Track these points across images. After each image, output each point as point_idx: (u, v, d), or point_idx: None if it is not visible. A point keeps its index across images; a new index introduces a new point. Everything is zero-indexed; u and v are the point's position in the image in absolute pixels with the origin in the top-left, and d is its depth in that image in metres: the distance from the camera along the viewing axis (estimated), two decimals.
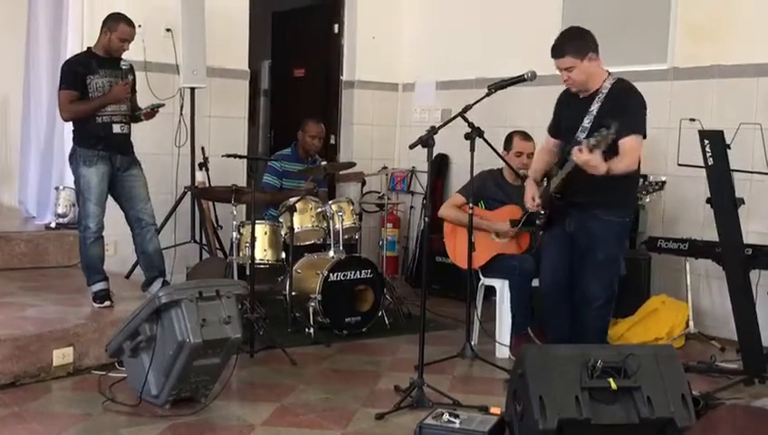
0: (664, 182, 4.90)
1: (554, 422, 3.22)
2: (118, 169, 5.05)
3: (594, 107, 4.24)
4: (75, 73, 4.92)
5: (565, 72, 4.29)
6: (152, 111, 5.14)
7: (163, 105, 5.27)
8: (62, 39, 6.31)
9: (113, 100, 4.95)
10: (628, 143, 4.12)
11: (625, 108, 4.17)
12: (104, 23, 5.01)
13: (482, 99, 4.39)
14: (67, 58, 5.19)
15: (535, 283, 4.90)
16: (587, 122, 4.26)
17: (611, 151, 4.09)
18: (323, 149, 6.59)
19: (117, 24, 4.96)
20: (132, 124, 5.15)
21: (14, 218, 6.84)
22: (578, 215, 4.35)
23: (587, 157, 4.00)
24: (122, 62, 5.03)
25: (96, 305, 4.89)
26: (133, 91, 5.18)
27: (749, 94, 5.35)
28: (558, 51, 4.29)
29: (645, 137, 4.19)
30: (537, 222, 4.61)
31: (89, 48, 5.10)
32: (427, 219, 4.46)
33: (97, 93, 4.91)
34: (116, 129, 5.00)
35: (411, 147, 4.23)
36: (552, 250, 4.59)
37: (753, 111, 5.25)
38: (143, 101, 5.33)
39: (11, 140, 7.61)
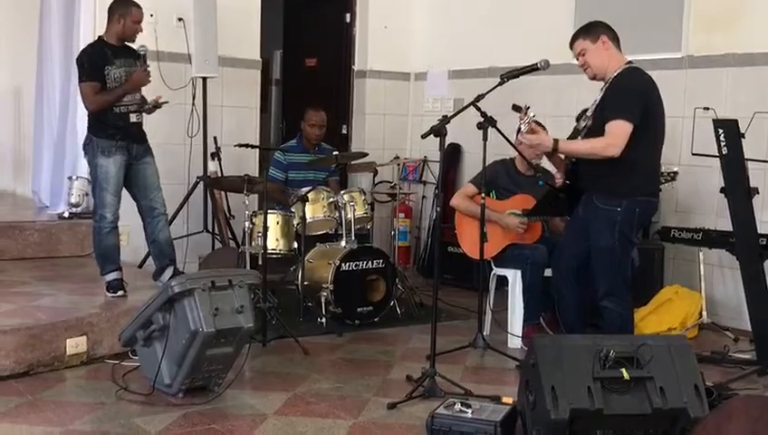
0: (676, 173, 4.87)
1: (566, 412, 3.21)
2: (134, 158, 5.04)
3: (600, 96, 4.25)
4: (94, 64, 4.88)
5: (581, 58, 4.31)
6: (153, 108, 5.12)
7: (167, 102, 5.22)
8: (75, 30, 6.31)
9: (136, 86, 4.94)
10: (609, 127, 4.10)
11: (614, 92, 4.16)
12: (112, 11, 4.98)
13: (494, 88, 4.37)
14: (81, 48, 5.14)
15: (548, 272, 4.89)
16: (590, 111, 4.30)
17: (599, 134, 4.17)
18: (335, 139, 6.58)
19: (128, 8, 4.94)
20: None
21: (27, 208, 6.87)
22: (583, 201, 4.36)
23: (530, 138, 4.31)
24: (139, 48, 5.00)
25: (109, 295, 4.90)
26: None
27: (764, 83, 5.31)
28: (570, 40, 4.36)
29: (634, 122, 4.06)
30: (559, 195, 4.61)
31: (100, 37, 5.06)
32: (439, 209, 4.46)
33: (115, 84, 4.90)
34: (132, 118, 5.00)
35: (423, 136, 4.22)
36: (567, 233, 4.61)
37: (767, 100, 5.21)
38: (155, 90, 5.31)
39: (24, 130, 7.64)
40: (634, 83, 4.17)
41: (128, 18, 4.93)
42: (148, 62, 5.03)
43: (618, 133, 4.07)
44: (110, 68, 4.89)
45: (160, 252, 5.22)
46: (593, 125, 4.23)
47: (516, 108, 4.31)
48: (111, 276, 4.97)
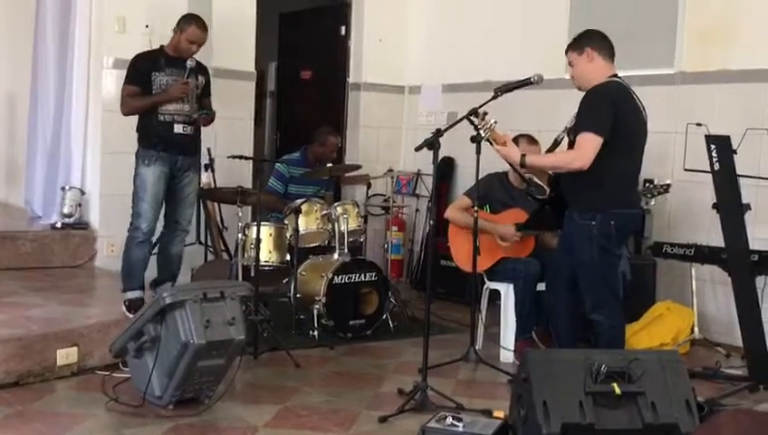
0: (669, 185, 4.88)
1: (558, 427, 3.21)
2: (178, 170, 5.01)
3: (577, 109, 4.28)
4: (138, 69, 4.89)
5: (570, 68, 4.36)
6: (203, 118, 5.07)
7: (214, 112, 5.19)
8: (70, 39, 6.33)
9: (169, 98, 4.90)
10: (578, 140, 4.13)
11: (585, 106, 4.18)
12: (178, 22, 5.00)
13: (488, 102, 4.38)
14: (138, 52, 5.08)
15: (540, 286, 4.89)
16: (569, 123, 4.32)
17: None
18: None
19: (188, 25, 4.94)
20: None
21: (19, 218, 6.85)
22: (566, 215, 4.37)
23: (498, 149, 4.34)
24: (188, 62, 4.96)
25: (129, 315, 4.62)
26: (206, 94, 5.14)
27: (756, 99, 5.33)
28: (566, 49, 4.39)
29: (603, 135, 4.05)
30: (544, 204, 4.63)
31: (161, 46, 5.06)
32: (432, 222, 4.46)
33: (159, 91, 4.89)
34: (177, 129, 4.95)
35: (417, 149, 4.23)
36: (558, 247, 4.61)
37: (760, 116, 5.23)
38: None
39: (18, 139, 7.64)
40: (604, 96, 4.16)
41: (183, 34, 4.93)
42: (192, 78, 4.97)
43: (585, 146, 4.08)
44: (157, 74, 4.89)
45: (166, 264, 5.17)
46: (574, 139, 4.25)
47: (475, 114, 4.35)
48: (134, 295, 4.89)
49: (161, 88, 4.90)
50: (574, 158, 4.13)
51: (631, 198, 4.39)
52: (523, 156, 4.29)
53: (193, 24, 4.95)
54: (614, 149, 4.09)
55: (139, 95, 4.89)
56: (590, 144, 4.07)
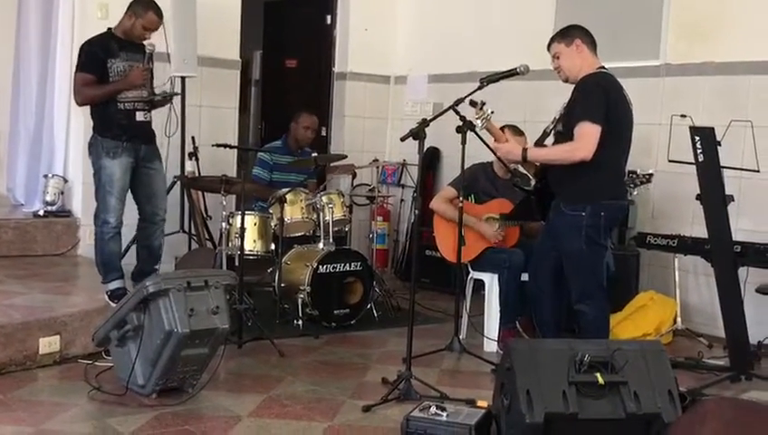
0: (651, 175, 4.90)
1: (541, 416, 3.22)
2: (141, 160, 4.89)
3: (568, 99, 4.28)
4: (94, 56, 4.73)
5: (555, 61, 4.34)
6: (164, 99, 5.02)
7: (177, 94, 5.10)
8: (53, 27, 6.27)
9: (129, 85, 4.76)
10: (577, 130, 4.12)
11: (579, 96, 4.18)
12: (131, 6, 4.84)
13: (474, 92, 4.38)
14: (88, 38, 4.90)
15: (525, 276, 4.90)
16: (557, 114, 4.34)
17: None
18: (314, 140, 6.57)
19: (146, 11, 4.78)
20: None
21: (2, 206, 6.78)
22: (553, 206, 4.38)
23: (499, 148, 4.40)
24: (147, 46, 4.85)
25: (112, 305, 4.62)
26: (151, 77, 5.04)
27: (740, 91, 5.36)
28: (548, 43, 4.40)
29: (600, 124, 4.06)
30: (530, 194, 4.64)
31: (109, 29, 4.88)
32: (417, 212, 4.46)
33: (117, 78, 4.75)
34: (139, 116, 4.83)
35: (402, 139, 4.22)
36: (541, 237, 4.63)
37: (744, 109, 5.26)
38: None
39: (0, 127, 7.56)
40: (596, 85, 4.17)
41: (139, 20, 4.78)
42: (152, 63, 4.88)
43: (586, 136, 4.08)
44: (113, 60, 4.74)
45: (149, 256, 5.11)
46: (563, 129, 4.25)
47: (472, 103, 4.35)
48: (115, 285, 4.82)
49: (119, 75, 4.74)
50: (576, 148, 4.12)
51: (620, 189, 4.41)
52: (525, 150, 4.29)
53: (151, 10, 4.80)
54: (605, 139, 4.10)
55: (95, 84, 4.73)
56: (589, 133, 4.07)
